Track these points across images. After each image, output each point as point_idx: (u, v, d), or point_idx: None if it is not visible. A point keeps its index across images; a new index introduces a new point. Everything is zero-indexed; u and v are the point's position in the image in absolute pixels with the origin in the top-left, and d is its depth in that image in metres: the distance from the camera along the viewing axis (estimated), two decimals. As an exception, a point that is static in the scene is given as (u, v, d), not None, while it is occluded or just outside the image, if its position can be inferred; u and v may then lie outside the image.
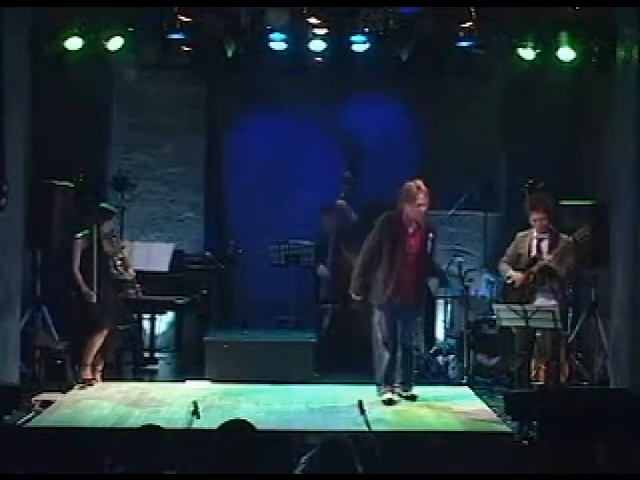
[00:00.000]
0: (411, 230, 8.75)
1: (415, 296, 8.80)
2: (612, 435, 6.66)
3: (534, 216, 8.93)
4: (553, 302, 8.81)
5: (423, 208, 8.68)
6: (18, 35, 8.70)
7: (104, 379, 9.57)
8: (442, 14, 9.46)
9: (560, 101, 10.96)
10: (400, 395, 8.88)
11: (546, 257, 8.88)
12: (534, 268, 8.90)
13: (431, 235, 8.74)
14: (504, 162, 11.85)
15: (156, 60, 10.62)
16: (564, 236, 8.92)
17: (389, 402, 8.73)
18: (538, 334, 8.89)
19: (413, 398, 8.86)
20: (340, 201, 10.75)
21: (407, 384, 8.93)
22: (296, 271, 10.86)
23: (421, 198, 8.65)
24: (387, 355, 8.76)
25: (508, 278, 9.06)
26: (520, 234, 9.14)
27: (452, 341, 10.90)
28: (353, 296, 8.89)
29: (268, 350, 9.77)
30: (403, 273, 8.68)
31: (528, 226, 9.07)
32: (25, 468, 5.74)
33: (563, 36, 9.28)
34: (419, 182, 8.75)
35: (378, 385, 8.84)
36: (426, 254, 8.74)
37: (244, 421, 5.07)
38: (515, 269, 9.01)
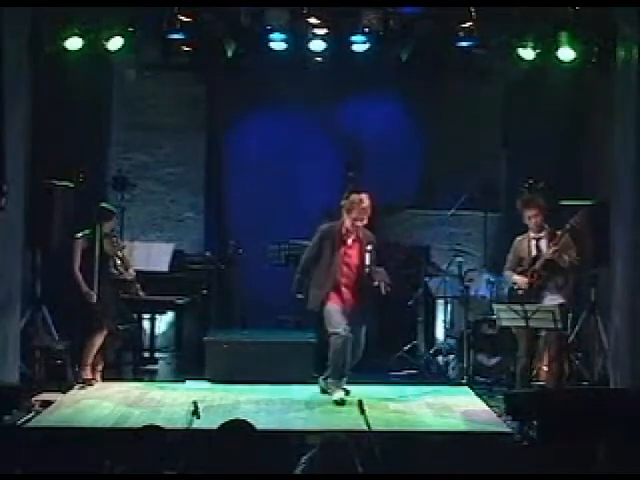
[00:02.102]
0: (350, 241, 8.86)
1: (354, 305, 8.86)
2: (612, 435, 6.66)
3: (528, 213, 8.95)
4: (561, 300, 8.81)
5: (359, 223, 8.78)
6: (18, 35, 8.70)
7: (104, 379, 9.57)
8: (442, 14, 9.47)
9: (560, 101, 10.94)
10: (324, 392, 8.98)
11: (546, 252, 8.89)
12: (537, 266, 8.90)
13: (369, 247, 8.80)
14: (504, 162, 11.86)
15: (156, 60, 10.61)
16: (559, 232, 8.93)
17: (342, 402, 8.70)
18: (538, 334, 8.90)
19: (346, 392, 8.83)
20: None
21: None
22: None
23: (361, 210, 8.72)
24: (346, 349, 8.78)
25: (514, 284, 9.05)
26: (518, 238, 9.15)
27: (452, 341, 10.90)
28: (295, 293, 8.97)
29: (268, 350, 9.77)
30: (340, 282, 8.82)
31: (524, 230, 9.08)
32: (25, 468, 5.75)
33: (563, 36, 9.29)
34: (363, 196, 8.80)
35: (328, 379, 8.90)
36: (364, 265, 8.80)
37: (244, 421, 5.07)
38: (518, 272, 9.01)
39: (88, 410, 8.41)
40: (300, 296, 8.98)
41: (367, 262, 8.78)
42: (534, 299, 8.81)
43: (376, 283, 8.84)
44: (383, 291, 8.84)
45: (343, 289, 8.83)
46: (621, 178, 8.92)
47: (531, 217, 8.94)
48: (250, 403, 8.78)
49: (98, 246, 9.31)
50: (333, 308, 8.78)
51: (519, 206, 9.07)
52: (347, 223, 8.81)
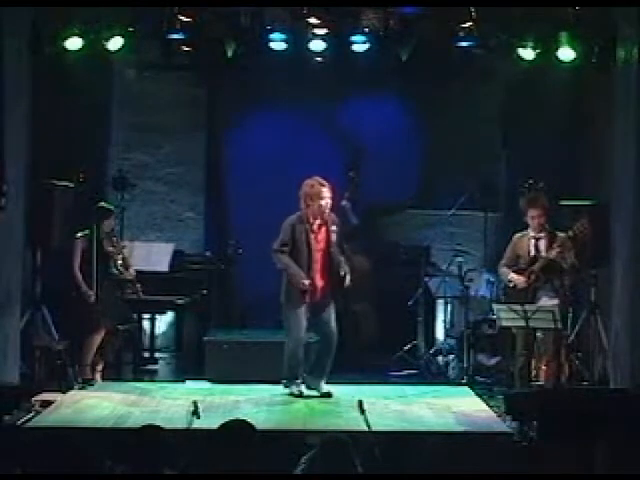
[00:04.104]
0: (316, 227, 8.92)
1: (326, 292, 8.94)
2: (612, 435, 6.66)
3: (532, 213, 8.97)
4: (556, 301, 8.83)
5: (329, 201, 8.85)
6: (18, 35, 8.70)
7: (104, 379, 9.58)
8: (442, 14, 9.47)
9: (560, 101, 10.96)
10: (310, 388, 9.01)
11: (547, 253, 8.90)
12: (535, 266, 8.92)
13: (334, 227, 8.90)
14: (504, 162, 11.86)
15: (156, 60, 10.61)
16: (561, 234, 8.95)
17: (300, 394, 8.86)
18: (538, 334, 8.91)
19: (329, 395, 8.91)
20: (344, 202, 10.75)
21: (319, 381, 9.00)
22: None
23: (325, 192, 8.83)
24: (299, 352, 8.90)
25: (509, 281, 9.06)
26: (517, 235, 9.17)
27: (452, 341, 10.91)
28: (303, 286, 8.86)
29: (268, 350, 9.76)
30: (316, 272, 8.89)
31: (525, 227, 9.09)
32: (25, 468, 5.74)
33: (563, 36, 9.28)
34: (319, 178, 8.89)
35: (285, 380, 8.96)
36: (331, 246, 8.89)
37: (244, 421, 5.07)
38: (515, 271, 9.03)
39: (88, 410, 8.41)
40: (307, 283, 8.85)
41: (333, 241, 8.87)
42: (530, 299, 8.82)
43: (342, 273, 8.87)
44: (347, 282, 8.87)
45: (317, 277, 8.89)
46: (621, 178, 8.92)
47: (534, 217, 8.96)
48: (250, 403, 8.78)
49: (98, 246, 9.32)
50: (298, 309, 8.86)
51: (523, 205, 9.08)
52: (313, 209, 8.83)
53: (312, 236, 8.88)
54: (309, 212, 8.86)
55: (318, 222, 8.91)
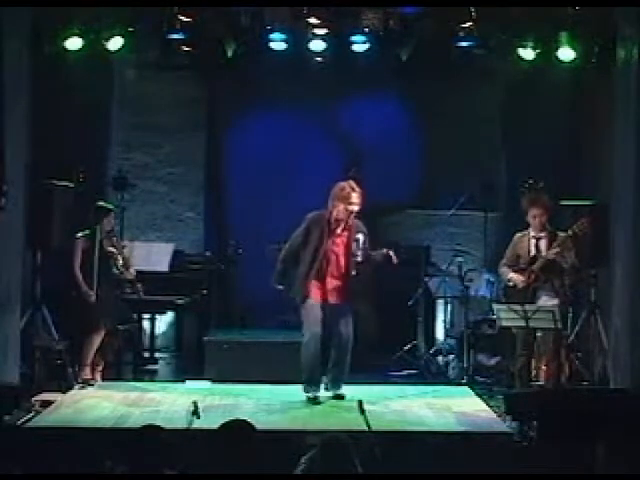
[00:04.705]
0: (339, 230, 8.83)
1: (340, 296, 8.85)
2: (612, 435, 6.67)
3: (533, 212, 8.97)
4: (556, 301, 8.84)
5: (356, 207, 8.75)
6: (18, 35, 8.70)
7: (104, 379, 9.57)
8: (442, 14, 9.48)
9: (560, 101, 10.97)
10: (327, 390, 8.93)
11: (547, 253, 8.92)
12: (535, 266, 8.93)
13: (361, 236, 8.74)
14: (504, 162, 11.87)
15: (156, 60, 10.63)
16: (562, 233, 8.96)
17: (315, 400, 8.76)
18: (538, 334, 8.91)
19: (341, 397, 8.85)
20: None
21: (337, 384, 8.93)
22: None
23: (354, 197, 8.72)
24: (316, 348, 8.77)
25: (509, 281, 9.08)
26: (517, 235, 9.18)
27: (452, 341, 10.91)
28: (275, 285, 8.90)
29: (268, 350, 9.78)
30: (326, 271, 8.80)
31: (526, 227, 9.10)
32: (25, 468, 5.75)
33: (563, 36, 9.29)
34: (352, 183, 8.81)
35: (305, 385, 8.84)
36: (351, 255, 8.75)
37: (244, 421, 5.07)
38: (515, 270, 9.04)
39: (88, 410, 8.41)
40: (280, 287, 8.91)
41: (357, 252, 8.69)
42: (529, 299, 8.83)
43: (384, 251, 8.77)
44: (395, 259, 8.77)
45: (328, 278, 8.81)
46: (621, 178, 8.92)
47: (536, 216, 8.97)
48: (250, 403, 8.78)
49: (98, 246, 9.32)
50: (312, 306, 8.77)
51: (525, 204, 9.09)
52: (338, 211, 8.76)
53: (330, 237, 8.80)
54: (333, 212, 8.79)
55: (341, 225, 8.81)
